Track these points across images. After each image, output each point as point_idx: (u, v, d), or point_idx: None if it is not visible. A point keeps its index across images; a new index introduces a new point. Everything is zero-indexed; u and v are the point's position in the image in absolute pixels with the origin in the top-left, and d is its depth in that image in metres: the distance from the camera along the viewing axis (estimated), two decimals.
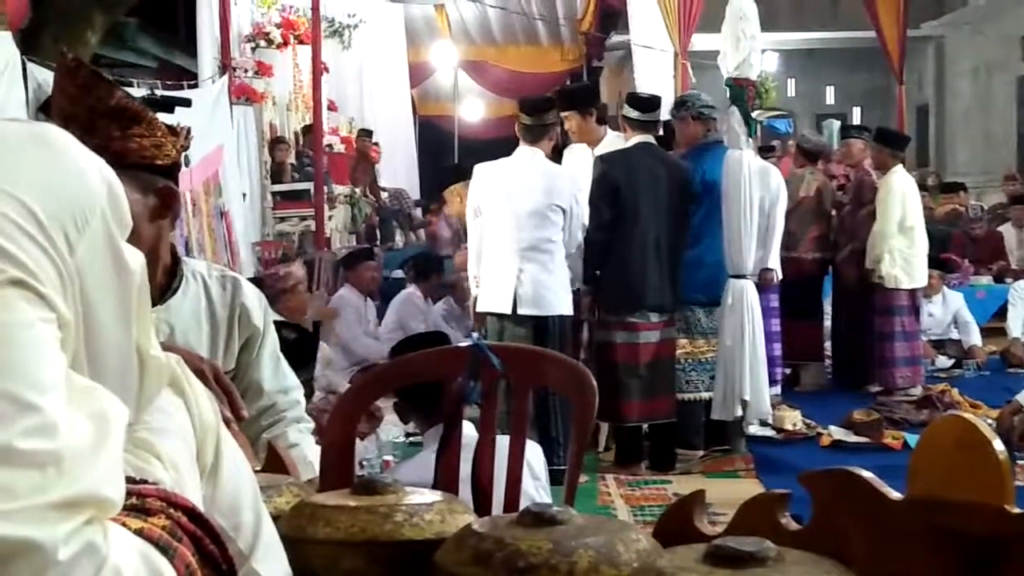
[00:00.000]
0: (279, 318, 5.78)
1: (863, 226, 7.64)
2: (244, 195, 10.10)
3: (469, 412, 2.05)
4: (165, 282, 2.06)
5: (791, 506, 1.25)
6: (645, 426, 5.80)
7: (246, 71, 10.54)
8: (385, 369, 2.67)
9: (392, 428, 5.74)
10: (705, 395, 5.83)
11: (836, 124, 14.80)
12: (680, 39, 10.09)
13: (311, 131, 10.61)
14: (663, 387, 5.71)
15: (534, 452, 3.29)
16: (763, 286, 6.43)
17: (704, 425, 5.88)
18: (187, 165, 6.97)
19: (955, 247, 10.06)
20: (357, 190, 12.52)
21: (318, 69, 10.20)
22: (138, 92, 6.88)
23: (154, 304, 1.85)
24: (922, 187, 9.40)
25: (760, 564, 1.06)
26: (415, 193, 15.67)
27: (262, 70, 10.75)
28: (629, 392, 5.59)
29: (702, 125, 6.05)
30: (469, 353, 2.00)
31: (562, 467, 3.64)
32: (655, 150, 5.90)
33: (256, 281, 4.47)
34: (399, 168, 15.07)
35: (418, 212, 14.97)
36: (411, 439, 5.77)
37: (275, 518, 1.31)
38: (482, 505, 1.87)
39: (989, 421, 5.36)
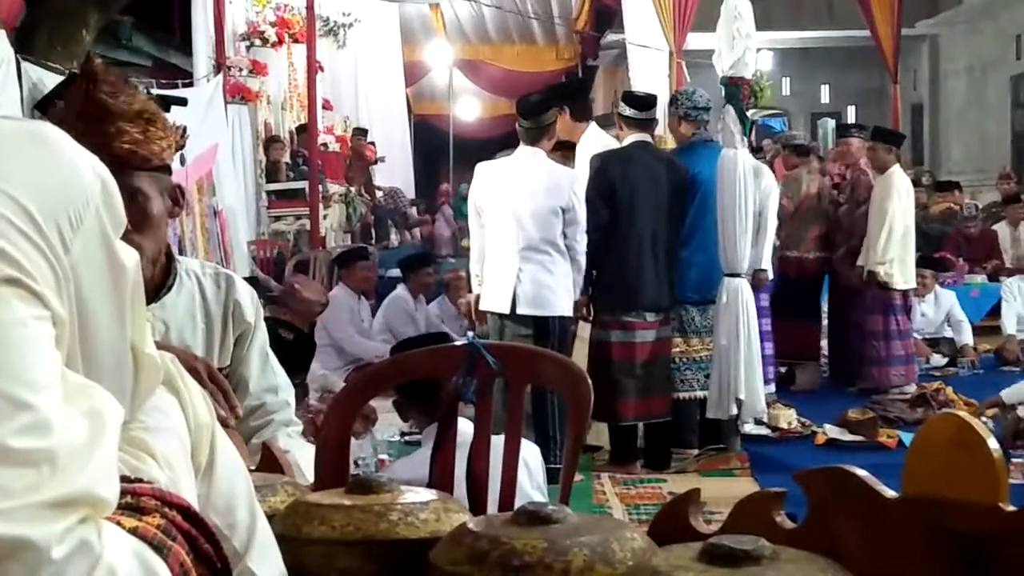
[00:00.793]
0: (279, 317, 5.83)
1: (859, 225, 7.64)
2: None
3: (468, 411, 2.04)
4: (159, 280, 2.06)
5: (786, 504, 1.25)
6: (640, 425, 5.80)
7: (241, 70, 10.50)
8: (381, 368, 2.67)
9: (388, 427, 5.74)
10: (700, 394, 5.83)
11: (831, 123, 14.84)
12: (675, 38, 10.10)
13: (306, 130, 10.61)
14: (659, 386, 5.71)
15: (531, 452, 3.30)
16: (756, 287, 6.43)
17: (699, 424, 5.88)
18: (182, 164, 6.95)
19: (950, 246, 10.05)
20: (352, 189, 12.52)
21: (313, 68, 10.19)
22: None
23: (148, 302, 1.85)
24: (917, 185, 9.39)
25: (755, 562, 1.06)
26: (410, 192, 15.67)
27: (257, 69, 10.72)
28: (625, 391, 5.58)
29: (690, 125, 6.05)
30: (464, 352, 1.99)
31: (559, 466, 3.63)
32: (652, 148, 5.89)
33: (252, 281, 4.47)
34: (394, 167, 15.07)
35: (413, 211, 14.99)
36: (406, 438, 5.77)
37: (270, 517, 1.31)
38: (477, 504, 1.87)
39: (987, 420, 5.39)
